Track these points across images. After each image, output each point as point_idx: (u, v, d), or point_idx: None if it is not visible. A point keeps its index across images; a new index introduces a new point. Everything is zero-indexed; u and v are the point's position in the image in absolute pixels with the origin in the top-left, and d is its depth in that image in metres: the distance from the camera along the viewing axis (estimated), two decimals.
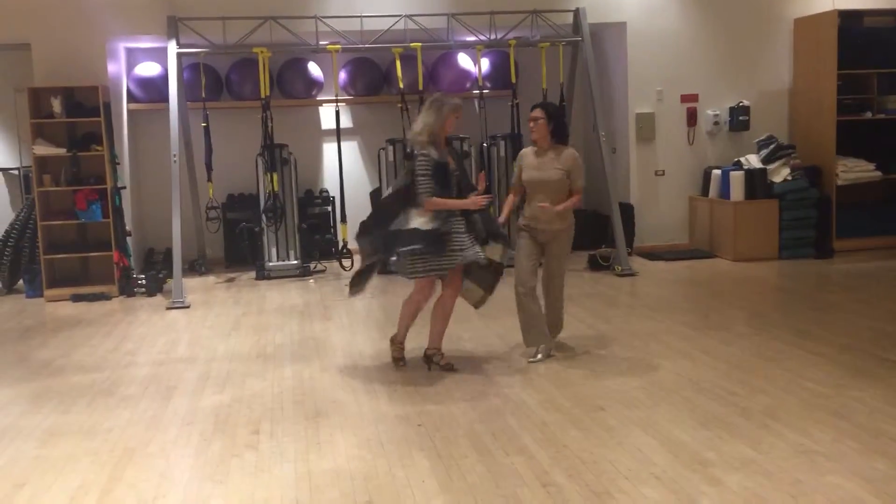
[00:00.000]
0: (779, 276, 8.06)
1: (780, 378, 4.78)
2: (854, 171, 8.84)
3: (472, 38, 9.02)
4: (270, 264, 8.77)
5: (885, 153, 8.92)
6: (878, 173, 8.88)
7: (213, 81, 9.20)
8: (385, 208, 5.41)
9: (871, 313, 6.30)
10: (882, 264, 8.20)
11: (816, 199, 8.70)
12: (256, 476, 3.72)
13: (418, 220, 5.05)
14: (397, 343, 5.46)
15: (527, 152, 5.49)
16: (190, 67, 8.90)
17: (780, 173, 8.75)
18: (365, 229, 5.43)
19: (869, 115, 8.94)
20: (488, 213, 5.38)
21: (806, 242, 8.67)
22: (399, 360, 5.41)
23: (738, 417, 4.17)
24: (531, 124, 5.34)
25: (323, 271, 9.00)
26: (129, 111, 9.19)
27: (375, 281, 8.37)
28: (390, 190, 5.55)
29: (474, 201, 5.12)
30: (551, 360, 5.35)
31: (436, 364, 5.27)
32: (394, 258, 5.33)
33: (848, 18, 8.87)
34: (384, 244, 5.25)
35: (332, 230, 9.52)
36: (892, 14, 9.15)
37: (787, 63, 9.49)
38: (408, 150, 5.21)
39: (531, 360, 5.33)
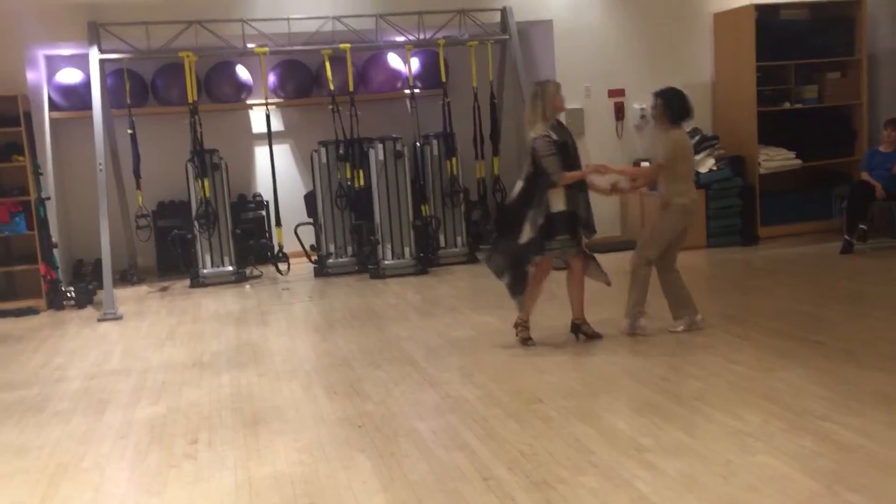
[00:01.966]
0: (707, 263, 8.29)
1: (711, 363, 4.92)
2: (775, 159, 9.13)
3: (401, 39, 9.03)
4: (205, 271, 8.65)
5: (803, 142, 9.23)
6: (798, 161, 9.19)
7: (138, 87, 9.02)
8: (510, 216, 5.56)
9: (795, 296, 6.53)
10: (804, 249, 8.49)
11: (741, 188, 8.96)
12: (195, 486, 3.67)
13: (554, 201, 5.31)
14: (524, 323, 5.61)
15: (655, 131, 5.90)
16: (113, 73, 8.71)
17: (706, 164, 8.98)
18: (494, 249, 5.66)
19: (787, 105, 9.25)
20: (588, 199, 5.59)
21: (732, 230, 8.93)
22: (528, 339, 5.56)
23: (672, 403, 4.29)
24: (652, 111, 5.71)
25: (259, 276, 8.91)
26: (51, 120, 8.94)
27: (319, 284, 8.39)
28: (516, 191, 5.54)
29: (596, 167, 5.55)
30: (490, 356, 5.39)
31: (583, 333, 5.55)
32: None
33: (764, 12, 9.16)
34: (516, 258, 5.45)
35: (267, 234, 9.43)
36: (807, 7, 9.49)
37: (709, 56, 9.75)
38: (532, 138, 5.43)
39: (672, 329, 5.58)
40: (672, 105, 5.50)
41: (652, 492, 3.29)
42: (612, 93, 9.65)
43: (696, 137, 9.15)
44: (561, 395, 4.53)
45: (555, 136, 5.30)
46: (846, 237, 8.09)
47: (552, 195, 5.30)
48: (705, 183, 8.89)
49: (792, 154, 9.20)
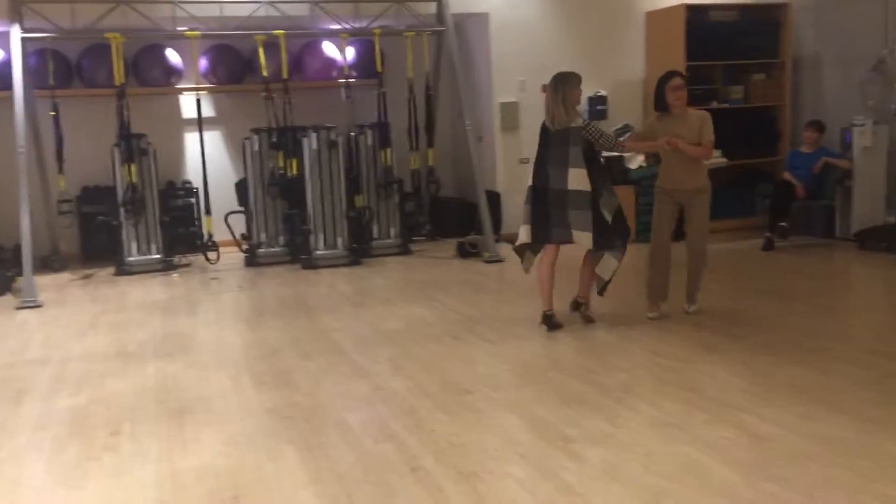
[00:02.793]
0: (636, 258, 8.38)
1: (637, 355, 5.03)
2: None
3: (336, 27, 8.95)
4: (131, 259, 8.43)
5: (729, 141, 9.44)
6: (724, 160, 9.42)
7: (62, 68, 8.72)
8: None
9: (720, 291, 6.70)
10: (730, 246, 8.72)
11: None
12: (116, 478, 3.58)
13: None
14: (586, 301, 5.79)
15: (659, 118, 5.79)
16: (36, 53, 8.41)
17: (636, 160, 9.15)
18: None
19: (715, 104, 9.47)
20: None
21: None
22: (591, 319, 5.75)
23: (598, 394, 4.36)
24: (676, 93, 5.67)
25: (188, 265, 8.73)
26: None
27: (250, 274, 8.27)
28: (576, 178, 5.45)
29: (669, 141, 5.59)
30: (421, 347, 5.41)
31: (582, 313, 5.75)
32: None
33: (695, 12, 9.36)
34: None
35: (197, 222, 9.25)
36: (735, 9, 9.73)
37: (641, 54, 9.92)
38: (555, 128, 5.51)
39: (650, 315, 5.79)
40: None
41: (576, 481, 3.35)
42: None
43: (628, 134, 9.29)
44: (491, 387, 4.56)
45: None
46: (768, 234, 8.35)
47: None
48: (635, 179, 9.06)
49: (718, 153, 9.41)
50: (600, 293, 5.76)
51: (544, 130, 5.60)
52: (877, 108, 7.94)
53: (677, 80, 5.73)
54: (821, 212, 8.75)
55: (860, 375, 4.51)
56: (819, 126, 8.58)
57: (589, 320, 5.74)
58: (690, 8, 9.31)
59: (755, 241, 8.50)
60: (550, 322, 5.62)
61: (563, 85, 5.47)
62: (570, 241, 5.51)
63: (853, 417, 3.89)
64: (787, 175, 8.52)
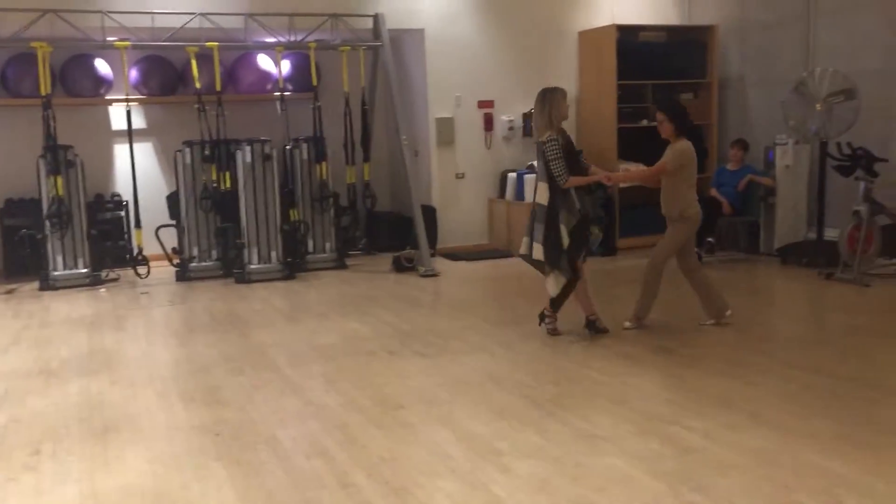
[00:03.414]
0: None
1: (568, 368, 5.09)
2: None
3: (271, 40, 8.89)
4: (56, 273, 8.20)
5: (658, 158, 9.64)
6: None
7: None
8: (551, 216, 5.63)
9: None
10: None
11: (602, 201, 9.30)
12: (35, 499, 3.47)
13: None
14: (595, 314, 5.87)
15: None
16: None
17: None
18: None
19: (645, 122, 9.70)
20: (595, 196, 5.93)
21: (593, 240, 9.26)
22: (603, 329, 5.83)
23: (529, 407, 4.41)
24: (658, 126, 5.90)
25: (116, 280, 8.53)
26: None
27: (181, 289, 8.11)
28: (543, 193, 5.62)
29: (606, 175, 5.78)
30: (355, 362, 5.38)
31: (598, 327, 5.83)
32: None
33: (625, 33, 9.59)
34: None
35: (126, 236, 9.05)
36: (664, 30, 10.00)
37: (574, 73, 10.10)
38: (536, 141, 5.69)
39: (701, 323, 6.03)
40: (677, 117, 5.83)
41: (506, 495, 3.37)
42: (482, 104, 9.85)
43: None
44: (423, 401, 4.57)
45: (562, 141, 5.55)
46: (696, 250, 8.54)
47: (577, 195, 5.57)
48: None
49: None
50: (552, 307, 5.81)
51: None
52: (798, 128, 8.22)
53: (658, 115, 5.94)
54: (746, 228, 9.02)
55: (782, 388, 4.65)
56: (744, 144, 8.86)
57: (602, 331, 5.82)
58: (621, 28, 9.54)
59: None
60: (593, 327, 5.79)
61: (549, 101, 5.58)
62: (529, 255, 5.68)
63: (774, 428, 4.01)
64: (713, 192, 8.76)
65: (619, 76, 9.41)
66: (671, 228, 5.96)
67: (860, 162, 7.55)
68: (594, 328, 5.83)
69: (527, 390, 4.70)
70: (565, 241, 5.56)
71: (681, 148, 5.83)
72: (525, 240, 5.80)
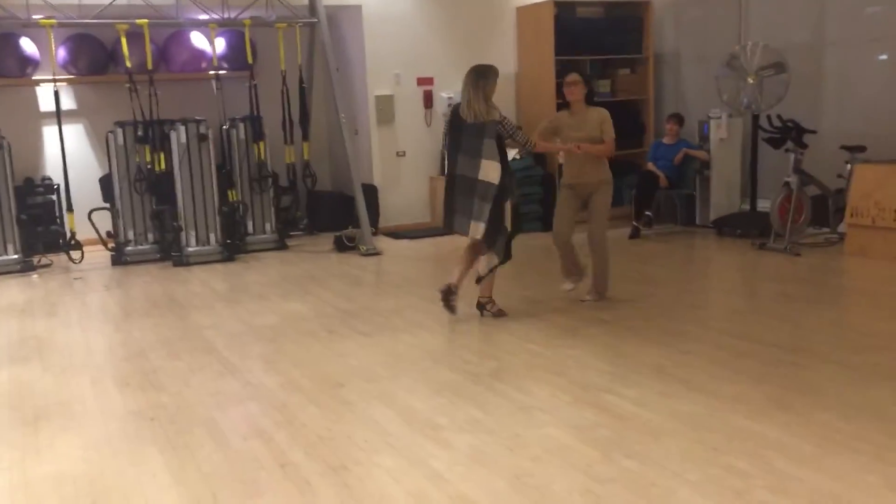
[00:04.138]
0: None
1: (507, 342, 5.14)
2: None
3: (204, 17, 8.69)
4: None
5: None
6: None
7: None
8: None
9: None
10: None
11: (541, 177, 9.38)
12: None
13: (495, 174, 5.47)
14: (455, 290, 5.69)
15: (562, 115, 6.02)
16: None
17: (509, 152, 9.29)
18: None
19: None
20: None
21: (533, 217, 9.33)
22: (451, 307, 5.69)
23: (469, 382, 4.44)
24: (569, 88, 5.83)
25: (49, 265, 8.30)
26: None
27: (117, 273, 7.94)
28: (490, 169, 5.49)
29: (576, 145, 5.78)
30: (294, 342, 5.34)
31: (490, 311, 5.71)
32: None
33: (563, 8, 9.62)
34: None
35: (58, 220, 8.81)
36: (601, 6, 10.06)
37: (513, 49, 10.12)
38: (471, 120, 5.50)
39: (566, 288, 6.06)
40: (590, 85, 5.90)
41: (445, 468, 3.39)
42: (421, 81, 9.79)
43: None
44: (363, 379, 4.56)
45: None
46: (634, 223, 8.70)
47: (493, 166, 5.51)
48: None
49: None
50: (477, 282, 5.77)
51: (456, 118, 5.59)
52: (731, 102, 8.37)
53: (571, 76, 5.90)
54: (682, 201, 9.18)
55: (714, 355, 4.77)
56: (679, 119, 8.99)
57: (499, 314, 5.71)
58: (559, 4, 9.56)
59: (623, 230, 8.80)
60: (447, 296, 5.63)
61: (483, 79, 5.48)
62: (466, 232, 5.57)
63: (707, 394, 4.11)
64: (650, 166, 8.89)
65: (556, 52, 9.44)
66: (602, 196, 5.94)
67: (790, 134, 7.73)
68: (487, 309, 5.75)
69: (466, 366, 4.73)
70: (508, 222, 5.56)
71: (608, 115, 5.88)
72: (463, 220, 5.58)
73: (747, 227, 8.31)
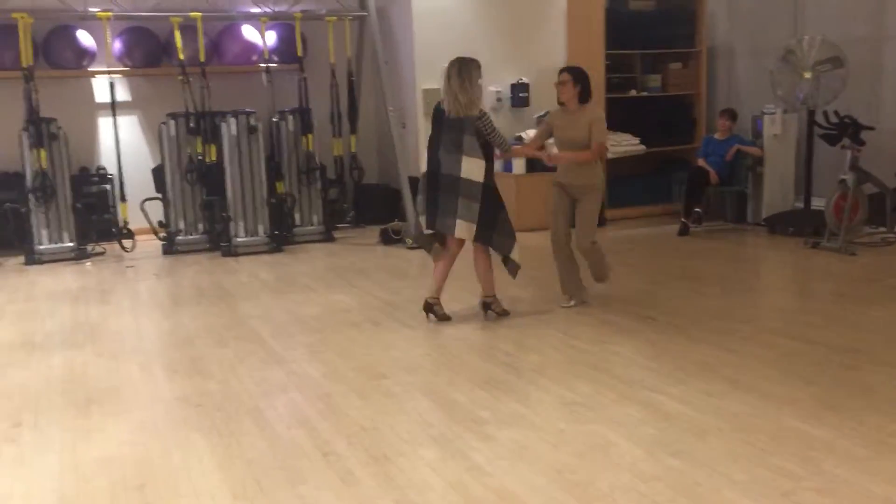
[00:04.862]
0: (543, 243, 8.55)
1: (551, 338, 5.10)
2: (622, 145, 9.53)
3: (256, 10, 8.80)
4: (41, 247, 8.15)
5: (647, 128, 9.67)
6: (643, 147, 9.63)
7: None
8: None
9: (635, 275, 6.86)
10: (647, 231, 8.93)
11: None
12: (15, 470, 3.47)
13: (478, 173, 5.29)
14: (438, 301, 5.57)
15: (556, 113, 5.76)
16: None
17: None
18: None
19: (634, 92, 9.66)
20: None
21: None
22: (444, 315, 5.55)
23: (511, 376, 4.42)
24: (559, 87, 5.59)
25: (102, 253, 8.49)
26: None
27: (167, 262, 8.09)
28: (472, 167, 5.30)
29: (548, 154, 5.67)
30: (339, 333, 5.38)
31: (494, 310, 5.57)
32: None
33: (614, 2, 9.49)
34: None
35: (112, 210, 9.00)
36: None
37: (562, 43, 10.02)
38: (450, 115, 5.31)
39: (563, 305, 5.75)
40: (582, 81, 5.60)
41: (486, 461, 3.38)
42: None
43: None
44: (406, 371, 4.58)
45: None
46: (683, 220, 8.56)
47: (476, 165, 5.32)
48: (556, 166, 9.15)
49: (637, 140, 9.62)
50: (513, 275, 5.57)
51: (439, 113, 5.41)
52: (786, 97, 8.18)
53: (563, 76, 5.65)
54: (733, 197, 9.01)
55: (763, 354, 4.67)
56: (731, 114, 8.82)
57: (503, 313, 5.59)
58: None
59: (672, 226, 8.69)
60: (431, 309, 5.51)
61: (466, 72, 5.28)
62: (451, 233, 5.38)
63: (755, 394, 4.03)
64: (701, 162, 8.74)
65: (607, 46, 9.33)
66: (587, 203, 5.65)
67: (847, 130, 7.53)
68: (492, 309, 5.58)
69: (509, 360, 4.71)
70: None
71: (601, 116, 5.64)
72: (447, 220, 5.36)
73: (801, 225, 8.13)
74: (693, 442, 3.51)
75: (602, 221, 9.34)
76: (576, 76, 5.62)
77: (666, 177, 9.73)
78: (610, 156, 9.45)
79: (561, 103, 5.72)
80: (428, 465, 3.38)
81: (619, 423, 3.73)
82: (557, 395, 4.11)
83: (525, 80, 9.81)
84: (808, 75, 7.93)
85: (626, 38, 9.46)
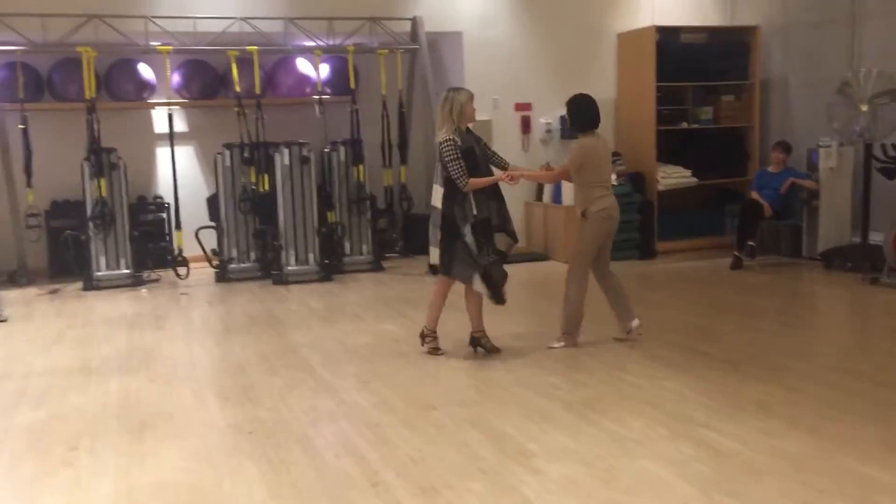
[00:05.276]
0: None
1: (601, 371, 5.04)
2: (673, 177, 9.46)
3: (310, 43, 8.98)
4: (99, 274, 8.36)
5: (699, 161, 9.59)
6: (694, 179, 9.54)
7: (32, 81, 8.66)
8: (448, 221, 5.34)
9: (686, 309, 6.77)
10: (698, 264, 8.81)
11: (640, 204, 9.23)
12: (71, 494, 3.54)
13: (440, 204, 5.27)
14: (432, 334, 5.58)
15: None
16: (6, 66, 8.35)
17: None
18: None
19: (685, 125, 9.60)
20: (504, 202, 5.49)
21: (631, 244, 9.18)
22: (437, 349, 5.55)
23: (561, 410, 4.37)
24: None
25: (157, 280, 8.67)
26: None
27: (220, 290, 8.22)
28: (438, 196, 5.37)
29: (510, 174, 5.37)
30: (388, 363, 5.39)
31: (482, 347, 5.51)
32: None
33: (666, 34, 9.49)
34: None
35: (167, 237, 9.19)
36: (705, 31, 9.88)
37: (612, 75, 10.03)
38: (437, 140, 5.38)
39: (616, 336, 5.67)
40: (572, 113, 5.56)
41: (535, 496, 3.35)
42: (520, 106, 9.81)
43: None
44: (455, 403, 4.56)
45: (459, 142, 5.22)
46: (736, 253, 8.44)
47: (477, 201, 5.26)
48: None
49: (688, 172, 9.54)
50: (500, 302, 5.38)
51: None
52: (842, 130, 8.05)
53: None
54: (788, 231, 8.86)
55: (822, 393, 4.55)
56: (786, 147, 8.70)
57: (493, 350, 5.50)
58: (661, 30, 9.44)
59: (724, 259, 8.57)
60: (479, 343, 5.49)
61: (450, 101, 5.26)
62: (432, 260, 5.51)
63: (814, 434, 3.93)
64: (754, 195, 8.62)
65: (658, 78, 9.31)
66: (580, 230, 5.60)
67: None
68: (478, 344, 5.51)
69: (558, 393, 4.67)
70: (473, 249, 5.21)
71: (579, 145, 5.53)
72: (431, 248, 5.43)
73: (858, 260, 7.94)
74: (748, 482, 3.43)
75: (652, 254, 9.28)
76: (567, 106, 5.60)
77: (718, 210, 9.60)
78: (660, 188, 9.39)
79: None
80: (477, 498, 3.35)
81: (670, 461, 3.66)
82: (607, 429, 4.06)
83: None
84: (864, 108, 7.80)
85: (678, 71, 9.43)
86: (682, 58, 9.51)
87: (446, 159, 5.20)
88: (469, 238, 5.23)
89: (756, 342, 5.68)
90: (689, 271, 8.54)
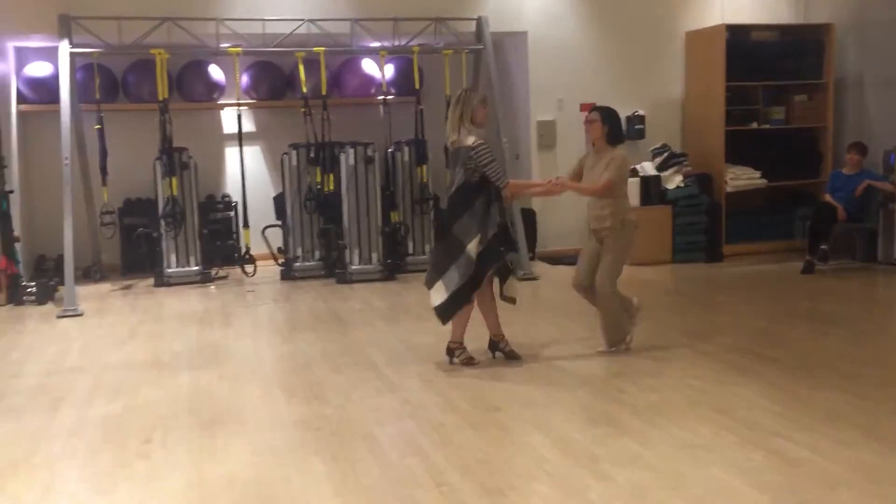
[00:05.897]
0: (671, 279, 8.37)
1: (669, 376, 4.97)
2: (741, 178, 9.26)
3: (375, 44, 9.05)
4: (169, 271, 8.57)
5: (769, 162, 9.37)
6: (764, 181, 9.33)
7: (108, 83, 8.93)
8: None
9: (754, 313, 6.62)
10: (766, 268, 8.61)
11: (707, 206, 9.07)
12: (146, 486, 3.64)
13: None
14: (460, 345, 5.43)
15: (588, 154, 5.65)
16: (84, 68, 8.63)
17: (674, 180, 9.08)
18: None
19: (755, 125, 9.39)
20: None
21: (697, 247, 9.03)
22: (472, 359, 5.38)
23: (628, 415, 4.32)
24: (587, 126, 5.53)
25: (225, 277, 8.85)
26: (18, 112, 8.84)
27: (285, 287, 8.35)
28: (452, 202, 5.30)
29: (556, 182, 5.50)
30: (451, 364, 5.40)
31: (501, 351, 5.44)
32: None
33: (736, 32, 9.30)
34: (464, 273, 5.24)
35: (235, 236, 9.38)
36: (777, 29, 9.64)
37: (680, 75, 9.87)
38: (449, 148, 5.32)
39: (599, 349, 5.54)
40: (610, 122, 5.44)
41: (602, 501, 3.32)
42: (584, 106, 9.70)
43: (666, 153, 9.27)
44: (519, 405, 4.55)
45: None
46: (808, 257, 8.22)
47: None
48: (672, 199, 8.99)
49: (758, 174, 9.33)
50: (504, 298, 5.44)
51: (446, 150, 5.38)
52: None
53: (591, 115, 5.52)
54: (862, 235, 8.59)
55: None
56: (861, 148, 8.44)
57: (513, 356, 5.42)
58: (731, 28, 9.25)
59: (795, 263, 8.35)
60: (451, 354, 5.39)
61: (464, 100, 5.18)
62: None
63: (889, 444, 3.81)
64: (828, 197, 8.39)
65: (728, 77, 9.12)
66: (612, 242, 5.39)
67: None
68: (496, 348, 5.44)
69: (625, 397, 4.61)
70: (473, 254, 5.15)
71: (622, 159, 5.41)
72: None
73: None
74: (822, 493, 3.34)
75: (719, 257, 9.09)
76: (604, 116, 5.45)
77: (789, 212, 9.37)
78: (728, 189, 9.21)
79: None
80: (543, 501, 3.34)
81: (741, 469, 3.58)
82: (676, 436, 3.99)
83: (641, 112, 9.69)
84: None
85: (748, 70, 9.23)
86: (752, 56, 9.30)
87: (483, 162, 5.09)
88: (474, 244, 5.17)
89: (828, 348, 5.53)
90: (758, 275, 8.35)
